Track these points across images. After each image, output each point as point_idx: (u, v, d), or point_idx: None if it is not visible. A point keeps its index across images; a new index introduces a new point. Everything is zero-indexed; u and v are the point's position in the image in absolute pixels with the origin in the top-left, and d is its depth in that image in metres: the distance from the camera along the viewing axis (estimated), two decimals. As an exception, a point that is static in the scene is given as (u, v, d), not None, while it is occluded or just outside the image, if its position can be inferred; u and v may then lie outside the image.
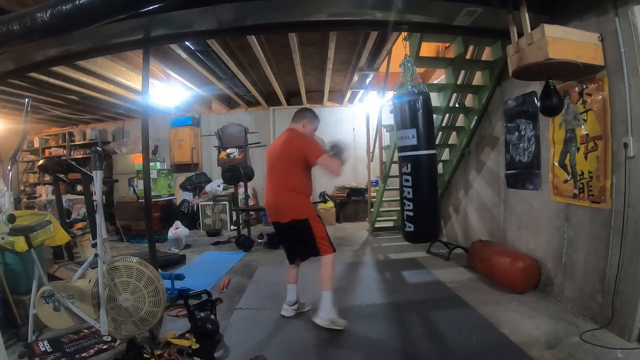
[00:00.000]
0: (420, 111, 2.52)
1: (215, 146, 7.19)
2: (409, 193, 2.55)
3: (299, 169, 2.40)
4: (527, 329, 2.24)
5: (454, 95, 3.87)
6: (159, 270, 2.48)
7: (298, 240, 2.48)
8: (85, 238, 4.16)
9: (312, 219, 2.41)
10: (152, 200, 4.33)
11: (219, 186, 6.68)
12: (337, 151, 2.41)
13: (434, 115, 3.92)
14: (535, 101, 2.88)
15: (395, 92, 2.90)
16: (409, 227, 2.61)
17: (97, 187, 2.03)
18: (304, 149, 2.37)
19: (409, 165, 2.55)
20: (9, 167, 1.96)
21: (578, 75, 2.30)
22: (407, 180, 2.56)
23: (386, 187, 5.00)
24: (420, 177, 2.57)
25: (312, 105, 7.12)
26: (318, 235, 2.40)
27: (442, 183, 4.70)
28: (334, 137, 7.14)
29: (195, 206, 6.60)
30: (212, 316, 2.32)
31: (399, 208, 5.56)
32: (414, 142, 2.53)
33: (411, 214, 2.58)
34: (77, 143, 7.92)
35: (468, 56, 3.62)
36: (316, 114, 2.62)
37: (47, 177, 7.29)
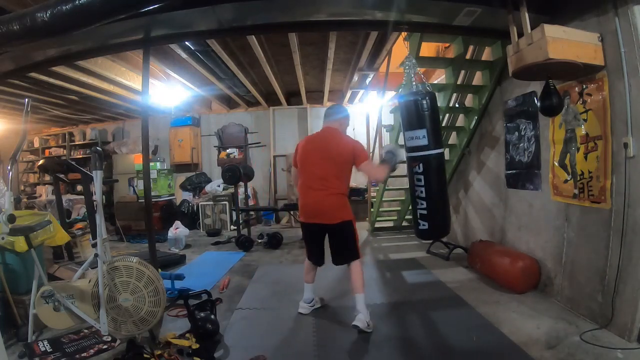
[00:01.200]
0: (429, 111, 2.53)
1: (215, 146, 7.20)
2: (422, 192, 2.58)
3: (348, 170, 2.39)
4: (527, 329, 2.24)
5: (454, 95, 3.87)
6: (159, 270, 2.48)
7: (341, 242, 2.41)
8: (85, 238, 4.16)
9: (354, 221, 2.41)
10: (152, 200, 4.33)
11: (219, 186, 6.68)
12: (388, 158, 2.40)
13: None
14: (535, 101, 2.88)
15: (399, 92, 2.90)
16: (423, 225, 2.63)
17: (97, 187, 2.03)
18: (354, 150, 2.35)
19: (421, 165, 2.56)
20: (9, 167, 1.96)
21: (578, 75, 2.30)
22: (419, 180, 2.58)
23: (386, 187, 5.00)
24: (432, 175, 2.59)
25: (312, 105, 7.13)
26: (357, 238, 2.42)
27: (442, 183, 4.71)
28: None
29: (195, 206, 6.61)
30: (212, 316, 2.32)
31: (399, 208, 5.62)
32: (424, 142, 2.54)
33: (425, 212, 2.60)
34: (77, 143, 7.92)
35: (468, 56, 3.62)
36: (348, 112, 2.61)
37: (47, 177, 7.29)
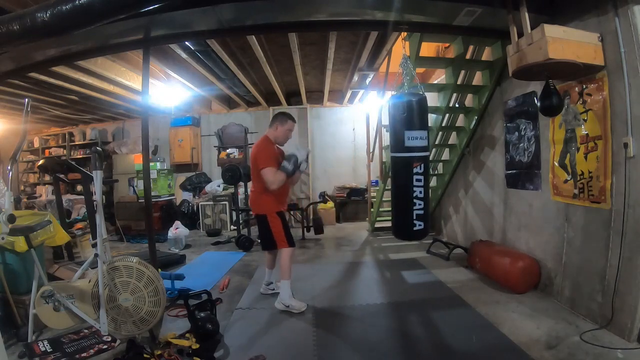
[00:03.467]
0: (425, 113, 2.54)
1: (215, 146, 7.19)
2: (420, 192, 2.61)
3: (258, 172, 2.71)
4: (527, 329, 2.24)
5: (454, 95, 3.87)
6: (159, 270, 2.48)
7: (262, 231, 2.86)
8: (85, 238, 4.16)
9: (270, 215, 2.73)
10: (152, 200, 4.33)
11: (219, 186, 6.67)
12: (287, 167, 2.65)
13: (434, 116, 3.96)
14: (535, 101, 2.88)
15: (396, 92, 2.89)
16: (419, 225, 2.65)
17: (97, 187, 2.03)
18: (255, 157, 2.72)
19: (422, 165, 2.58)
20: (9, 167, 1.96)
21: (578, 75, 2.30)
22: (419, 180, 2.60)
23: (386, 187, 5.00)
24: (428, 176, 2.66)
25: (312, 105, 7.13)
26: (274, 230, 2.72)
27: (442, 183, 4.71)
28: (335, 137, 7.22)
29: (195, 206, 6.61)
30: (212, 316, 2.32)
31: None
32: (425, 143, 2.58)
33: (422, 212, 2.62)
34: (77, 143, 7.92)
35: (468, 56, 3.62)
36: (289, 115, 2.86)
37: (47, 177, 7.29)
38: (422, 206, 2.61)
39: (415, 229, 2.66)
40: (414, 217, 2.64)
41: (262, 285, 3.07)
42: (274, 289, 3.00)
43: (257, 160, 2.70)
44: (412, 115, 2.61)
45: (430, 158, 4.34)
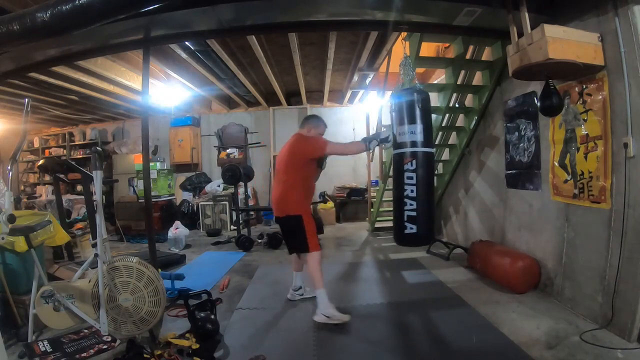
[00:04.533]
0: (422, 109, 2.51)
1: (215, 146, 7.20)
2: (412, 191, 2.49)
3: (299, 166, 2.56)
4: (527, 329, 2.24)
5: (454, 95, 3.87)
6: (159, 270, 2.48)
7: (291, 234, 2.66)
8: (85, 238, 4.16)
9: (306, 216, 2.57)
10: (152, 200, 4.33)
11: (219, 186, 6.68)
12: (368, 138, 2.50)
13: (434, 115, 3.96)
14: (535, 101, 2.88)
15: (395, 90, 2.90)
16: (411, 228, 2.53)
17: (97, 187, 2.03)
18: (306, 147, 2.56)
19: (414, 161, 2.51)
20: (9, 167, 1.96)
21: (578, 75, 2.30)
22: (410, 178, 2.50)
23: (386, 187, 5.00)
24: (424, 174, 2.54)
25: (312, 105, 7.13)
26: (309, 232, 2.53)
27: (442, 183, 4.71)
28: (336, 137, 7.21)
29: (195, 206, 6.60)
30: (212, 316, 2.32)
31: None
32: (416, 138, 2.51)
33: (414, 214, 2.50)
34: (77, 143, 7.92)
35: (468, 56, 3.62)
36: (322, 119, 2.79)
37: (47, 177, 7.29)
38: (414, 207, 2.48)
39: (406, 232, 2.54)
40: (405, 219, 2.54)
41: (290, 290, 2.88)
42: (302, 294, 2.86)
43: (309, 148, 2.54)
44: (401, 110, 2.59)
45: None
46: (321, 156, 2.62)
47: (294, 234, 2.60)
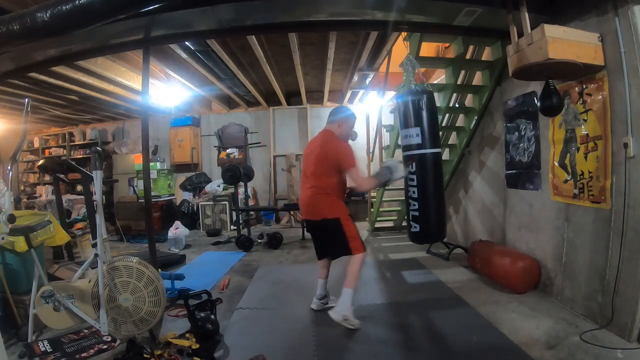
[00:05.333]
0: (424, 110, 2.52)
1: (215, 146, 7.20)
2: (414, 192, 2.56)
3: (333, 171, 2.44)
4: (527, 329, 2.24)
5: (454, 95, 3.87)
6: (159, 270, 2.48)
7: (329, 238, 2.51)
8: (85, 238, 4.16)
9: (344, 218, 2.44)
10: (152, 200, 4.33)
11: (219, 186, 6.68)
12: (383, 173, 2.41)
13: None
14: (535, 101, 2.88)
15: (397, 91, 2.89)
16: (415, 227, 2.61)
17: (97, 187, 2.03)
18: (337, 155, 2.41)
19: (414, 164, 2.55)
20: (9, 167, 1.96)
21: (578, 75, 2.30)
22: (412, 180, 2.56)
23: (386, 187, 5.00)
24: (426, 176, 2.56)
25: (312, 105, 7.13)
26: (349, 235, 2.41)
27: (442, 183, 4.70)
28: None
29: (195, 206, 6.61)
30: (212, 316, 2.32)
31: (399, 208, 5.62)
32: (418, 140, 2.53)
33: (416, 214, 2.58)
34: (77, 143, 7.92)
35: (468, 56, 3.62)
36: (351, 110, 2.63)
37: (47, 177, 7.29)
38: (416, 207, 2.55)
39: (412, 230, 2.64)
40: (411, 218, 2.64)
41: (314, 300, 2.68)
42: (327, 303, 2.66)
43: (340, 157, 2.38)
44: (406, 113, 2.61)
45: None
46: (344, 169, 2.43)
47: (332, 238, 2.46)
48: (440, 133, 4.31)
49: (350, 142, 2.61)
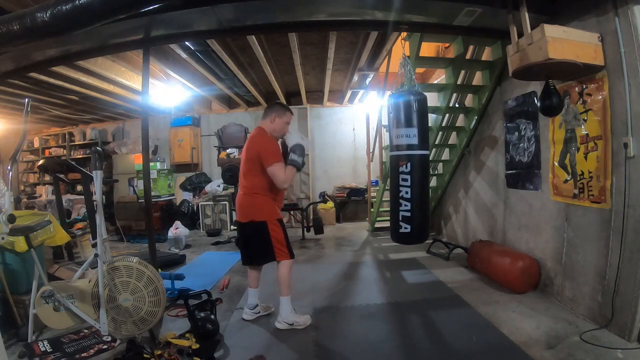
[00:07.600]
0: (417, 111, 2.52)
1: (215, 146, 7.19)
2: (406, 193, 2.54)
3: (258, 170, 2.33)
4: (527, 329, 2.24)
5: (454, 95, 3.87)
6: (159, 270, 2.48)
7: (255, 242, 2.41)
8: (85, 238, 4.16)
9: (272, 222, 2.36)
10: (152, 200, 4.33)
11: (219, 186, 6.68)
12: (295, 158, 2.33)
13: (434, 116, 3.96)
14: (535, 101, 2.88)
15: (393, 92, 2.89)
16: (405, 227, 2.57)
17: (97, 187, 2.03)
18: (258, 150, 2.32)
19: (409, 164, 2.54)
20: (9, 167, 1.96)
21: (578, 75, 2.30)
22: (405, 180, 2.54)
23: (386, 187, 5.00)
24: (419, 176, 2.56)
25: (312, 105, 7.13)
26: (275, 239, 2.35)
27: (442, 183, 4.71)
28: (335, 137, 7.22)
29: (195, 206, 6.61)
30: (212, 316, 2.32)
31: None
32: (414, 141, 2.52)
33: (408, 214, 2.55)
34: (77, 143, 7.92)
35: (468, 56, 3.62)
36: (287, 106, 2.52)
37: (47, 177, 7.29)
38: (408, 207, 2.53)
39: (400, 231, 2.58)
40: (400, 219, 2.58)
41: (245, 309, 2.57)
42: (259, 312, 2.59)
43: (261, 155, 2.28)
44: (398, 113, 2.59)
45: (430, 158, 4.32)
46: (265, 166, 2.31)
47: (259, 242, 2.37)
48: (440, 133, 4.33)
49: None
